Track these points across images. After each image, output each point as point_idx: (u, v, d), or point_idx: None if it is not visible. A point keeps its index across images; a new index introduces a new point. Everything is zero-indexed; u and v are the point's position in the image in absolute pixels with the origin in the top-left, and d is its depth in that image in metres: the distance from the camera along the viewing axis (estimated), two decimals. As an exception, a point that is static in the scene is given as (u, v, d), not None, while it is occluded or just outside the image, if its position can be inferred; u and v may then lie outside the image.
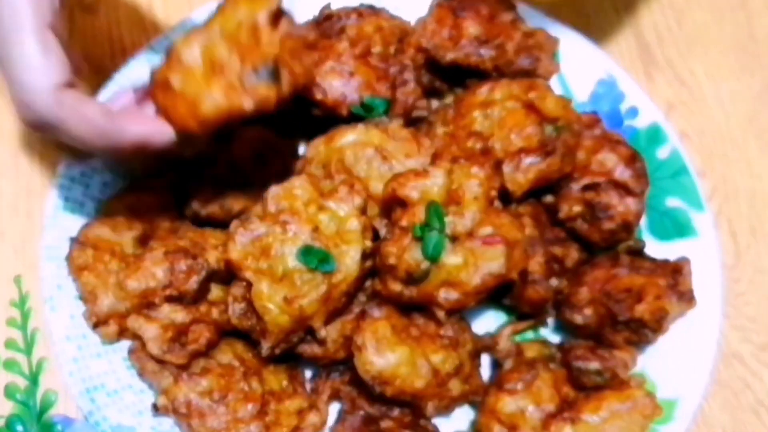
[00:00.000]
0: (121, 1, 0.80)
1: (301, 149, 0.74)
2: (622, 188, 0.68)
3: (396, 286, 0.63)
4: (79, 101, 0.55)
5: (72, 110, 0.54)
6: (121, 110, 0.58)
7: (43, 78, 0.53)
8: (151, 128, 0.57)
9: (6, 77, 0.54)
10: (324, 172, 0.66)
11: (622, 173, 0.67)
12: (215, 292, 0.65)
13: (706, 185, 0.80)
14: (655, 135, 0.74)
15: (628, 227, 0.69)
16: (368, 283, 0.66)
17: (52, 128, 0.55)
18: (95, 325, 0.65)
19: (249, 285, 0.61)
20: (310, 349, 0.65)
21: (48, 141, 0.63)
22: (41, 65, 0.53)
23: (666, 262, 0.69)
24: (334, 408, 0.68)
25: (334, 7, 0.72)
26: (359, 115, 0.69)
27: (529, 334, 0.72)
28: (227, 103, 0.57)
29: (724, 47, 0.85)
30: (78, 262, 0.66)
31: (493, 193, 0.65)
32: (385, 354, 0.62)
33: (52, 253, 0.68)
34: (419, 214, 0.62)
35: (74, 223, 0.68)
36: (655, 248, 0.72)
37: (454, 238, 0.62)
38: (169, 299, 0.63)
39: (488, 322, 0.72)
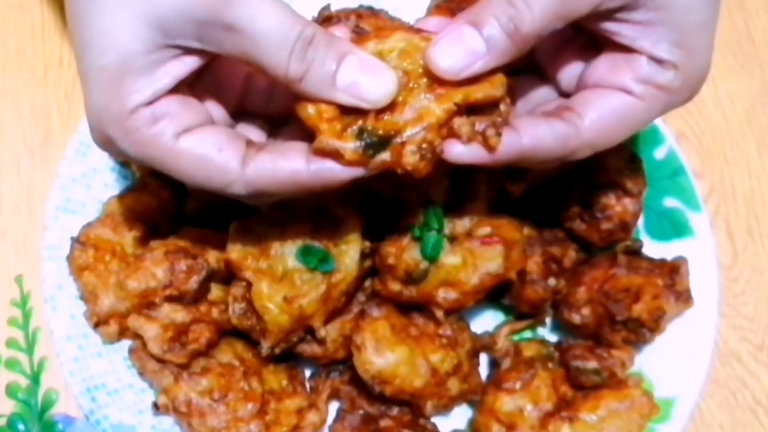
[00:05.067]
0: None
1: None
2: (620, 189, 0.68)
3: (395, 286, 0.63)
4: (271, 162, 0.48)
5: (267, 176, 0.48)
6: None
7: (231, 162, 0.48)
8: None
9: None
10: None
11: (619, 174, 0.67)
12: (215, 292, 0.65)
13: (703, 186, 0.80)
14: (653, 135, 0.75)
15: (625, 227, 0.69)
16: (368, 283, 0.67)
17: (254, 196, 0.50)
18: (96, 325, 0.66)
19: (249, 285, 0.61)
20: (309, 348, 0.66)
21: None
22: (220, 151, 0.48)
23: (663, 262, 0.69)
24: (334, 407, 0.68)
25: (333, 8, 0.73)
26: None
27: (528, 334, 0.72)
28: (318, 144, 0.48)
29: (721, 48, 0.86)
30: (79, 262, 0.66)
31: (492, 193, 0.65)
32: (385, 353, 0.62)
33: (54, 253, 0.68)
34: (418, 214, 0.62)
35: (75, 224, 0.68)
36: (653, 248, 0.72)
37: (453, 238, 0.63)
38: (169, 299, 0.63)
39: (487, 321, 0.72)
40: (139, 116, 0.47)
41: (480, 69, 0.47)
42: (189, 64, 0.48)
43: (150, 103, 0.47)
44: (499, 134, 0.48)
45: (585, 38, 0.55)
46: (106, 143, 0.49)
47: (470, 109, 0.48)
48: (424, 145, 0.47)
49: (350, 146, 0.47)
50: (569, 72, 0.56)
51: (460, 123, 0.48)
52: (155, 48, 0.46)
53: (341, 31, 0.50)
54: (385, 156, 0.47)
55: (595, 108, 0.51)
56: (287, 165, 0.48)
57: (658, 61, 0.51)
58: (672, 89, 0.51)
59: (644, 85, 0.51)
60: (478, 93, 0.48)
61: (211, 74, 0.53)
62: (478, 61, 0.47)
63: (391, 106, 0.48)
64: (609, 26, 0.51)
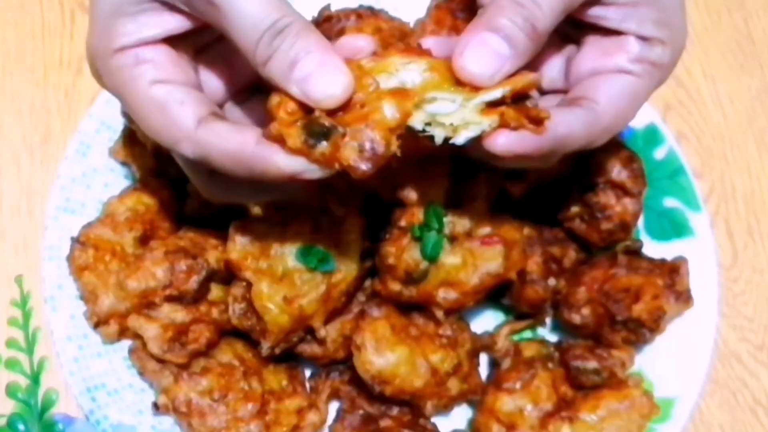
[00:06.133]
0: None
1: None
2: (620, 189, 0.68)
3: (395, 286, 0.63)
4: (225, 131, 0.48)
5: (216, 142, 0.48)
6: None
7: (186, 116, 0.49)
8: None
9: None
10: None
11: (619, 174, 0.67)
12: (215, 292, 0.66)
13: (703, 186, 0.80)
14: (653, 136, 0.75)
15: (625, 227, 0.69)
16: (368, 283, 0.67)
17: (200, 161, 0.50)
18: (96, 325, 0.66)
19: (249, 285, 0.61)
20: (309, 348, 0.66)
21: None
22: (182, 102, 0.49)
23: (663, 262, 0.69)
24: (334, 407, 0.68)
25: (333, 8, 0.73)
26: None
27: (528, 334, 0.72)
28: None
29: (721, 47, 0.86)
30: (79, 262, 0.66)
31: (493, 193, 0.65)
32: (385, 353, 0.62)
33: (53, 253, 0.68)
34: (418, 214, 0.62)
35: (75, 224, 0.68)
36: (653, 248, 0.72)
37: (453, 238, 0.63)
38: (169, 299, 0.63)
39: (487, 321, 0.72)
40: (123, 56, 0.49)
41: (508, 71, 0.48)
42: (181, 21, 0.50)
43: (136, 46, 0.49)
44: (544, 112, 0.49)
45: (556, 34, 0.56)
46: (98, 79, 0.52)
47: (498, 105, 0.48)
48: (367, 144, 0.46)
49: (294, 133, 0.46)
50: (551, 69, 0.58)
51: (506, 110, 0.48)
52: None
53: (365, 42, 0.51)
54: (324, 147, 0.46)
55: (606, 92, 0.53)
56: (238, 137, 0.48)
57: (646, 39, 0.53)
58: (663, 65, 0.54)
59: (640, 64, 0.53)
60: (520, 82, 0.48)
61: (226, 46, 0.54)
62: (507, 64, 0.48)
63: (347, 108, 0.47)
64: (596, 11, 0.52)
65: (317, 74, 0.46)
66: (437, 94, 0.47)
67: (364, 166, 0.46)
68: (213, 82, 0.55)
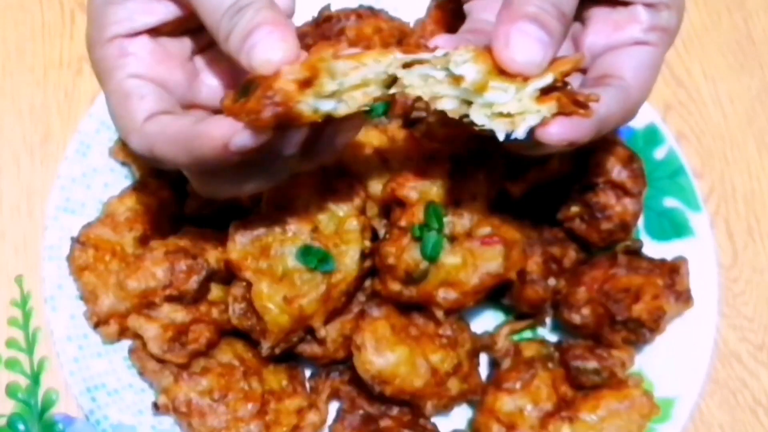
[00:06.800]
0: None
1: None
2: (620, 189, 0.68)
3: (395, 286, 0.63)
4: (168, 120, 0.49)
5: (158, 131, 0.49)
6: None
7: (139, 110, 0.49)
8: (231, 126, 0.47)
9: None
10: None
11: (619, 174, 0.67)
12: (215, 292, 0.65)
13: (703, 186, 0.80)
14: (653, 136, 0.75)
15: (625, 227, 0.69)
16: (368, 283, 0.67)
17: (147, 156, 0.50)
18: (96, 325, 0.66)
19: (249, 285, 0.61)
20: (309, 348, 0.66)
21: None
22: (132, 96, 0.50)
23: (663, 262, 0.69)
24: (334, 407, 0.68)
25: (333, 8, 0.73)
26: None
27: (528, 334, 0.72)
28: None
29: (721, 47, 0.86)
30: (79, 262, 0.66)
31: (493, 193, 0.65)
32: (385, 353, 0.62)
33: (54, 253, 0.68)
34: (418, 214, 0.62)
35: (75, 224, 0.68)
36: (653, 248, 0.72)
37: (453, 238, 0.63)
38: (169, 299, 0.63)
39: (487, 321, 0.72)
40: (111, 46, 0.50)
41: (550, 58, 0.48)
42: (168, 7, 0.51)
43: (126, 36, 0.50)
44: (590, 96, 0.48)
45: None
46: (92, 68, 0.52)
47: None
48: (269, 92, 0.46)
49: (230, 93, 0.47)
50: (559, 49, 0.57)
51: (560, 96, 0.47)
52: None
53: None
54: (243, 101, 0.46)
55: (629, 67, 0.53)
56: (178, 122, 0.49)
57: (651, 5, 0.53)
58: (671, 29, 0.54)
59: (653, 32, 0.53)
60: (567, 65, 0.48)
61: None
62: (549, 50, 0.48)
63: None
64: None
65: (262, 42, 0.47)
66: (494, 83, 0.47)
67: (264, 112, 0.46)
68: (212, 82, 0.55)
